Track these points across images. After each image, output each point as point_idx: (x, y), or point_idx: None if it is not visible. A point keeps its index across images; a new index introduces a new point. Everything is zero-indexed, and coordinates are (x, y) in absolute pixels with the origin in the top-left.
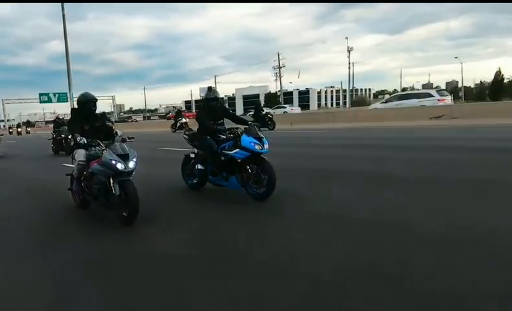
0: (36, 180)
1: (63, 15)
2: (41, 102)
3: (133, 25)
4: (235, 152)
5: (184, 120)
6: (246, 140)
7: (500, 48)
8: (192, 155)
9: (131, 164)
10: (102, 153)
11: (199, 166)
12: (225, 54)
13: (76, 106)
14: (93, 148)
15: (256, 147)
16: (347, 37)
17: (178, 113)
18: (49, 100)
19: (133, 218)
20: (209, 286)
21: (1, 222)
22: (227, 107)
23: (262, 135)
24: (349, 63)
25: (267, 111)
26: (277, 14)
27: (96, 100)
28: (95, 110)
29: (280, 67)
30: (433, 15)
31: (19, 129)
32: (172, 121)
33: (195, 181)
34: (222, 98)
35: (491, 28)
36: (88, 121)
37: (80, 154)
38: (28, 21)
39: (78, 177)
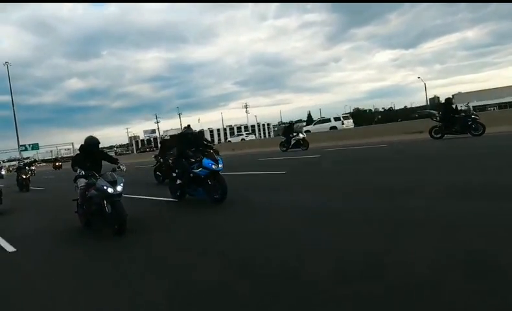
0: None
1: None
2: (20, 151)
3: (145, 58)
4: (199, 170)
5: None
6: (206, 162)
7: None
8: (174, 174)
9: (118, 188)
10: (97, 181)
11: (178, 181)
12: (240, 79)
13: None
14: (92, 178)
15: (213, 166)
16: None
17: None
18: (26, 149)
19: (123, 229)
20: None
21: None
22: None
23: (218, 158)
24: None
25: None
26: (285, 38)
27: (99, 142)
28: (97, 150)
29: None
30: (446, 27)
31: (57, 164)
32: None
33: (178, 194)
34: (195, 131)
35: (510, 35)
36: (89, 157)
37: (81, 181)
38: (46, 61)
39: (81, 201)
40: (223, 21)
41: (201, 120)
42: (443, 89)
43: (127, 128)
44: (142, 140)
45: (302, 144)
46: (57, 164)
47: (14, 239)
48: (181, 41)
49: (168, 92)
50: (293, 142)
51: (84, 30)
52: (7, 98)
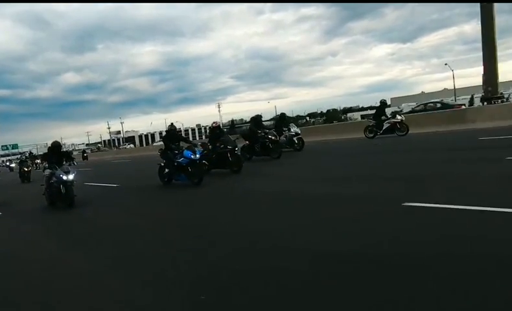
0: None
1: None
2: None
3: (141, 52)
4: (181, 160)
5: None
6: (187, 153)
7: None
8: (162, 164)
9: (70, 177)
10: (56, 171)
11: (166, 170)
12: (236, 73)
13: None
14: (53, 169)
15: (192, 156)
16: None
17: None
18: (7, 148)
19: (72, 204)
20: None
21: None
22: (181, 134)
23: (196, 149)
24: None
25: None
26: (282, 32)
27: (61, 145)
28: (59, 150)
29: None
30: (443, 21)
31: (85, 155)
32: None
33: (166, 179)
34: (178, 128)
35: (509, 29)
36: (54, 155)
37: (47, 172)
38: (42, 55)
39: (47, 186)
40: (219, 15)
41: (198, 115)
42: (441, 84)
43: (108, 124)
44: (109, 140)
45: (399, 128)
46: (85, 154)
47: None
48: (177, 35)
49: (165, 86)
50: (386, 125)
51: (80, 24)
52: None
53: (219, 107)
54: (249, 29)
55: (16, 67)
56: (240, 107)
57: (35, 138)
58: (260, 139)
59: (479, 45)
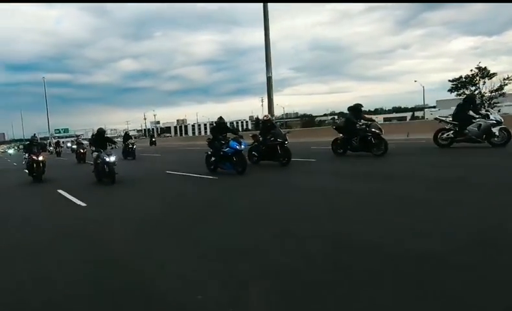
0: None
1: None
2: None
3: (198, 41)
4: (227, 149)
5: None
6: (232, 143)
7: None
8: (209, 153)
9: (112, 159)
10: (101, 153)
11: (213, 158)
12: (296, 65)
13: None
14: (99, 152)
15: (237, 147)
16: None
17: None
18: (59, 132)
19: (114, 180)
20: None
21: None
22: (228, 125)
23: (241, 141)
24: None
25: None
26: (348, 22)
27: (105, 131)
28: (104, 135)
29: None
30: None
31: (154, 140)
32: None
33: (212, 167)
34: (225, 121)
35: None
36: (99, 140)
37: (95, 154)
38: (101, 42)
39: (94, 165)
40: (279, 4)
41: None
42: None
43: (144, 115)
44: (148, 129)
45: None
46: (153, 139)
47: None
48: (234, 24)
49: (220, 76)
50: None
51: (138, 12)
52: (58, 76)
53: (262, 102)
54: (311, 19)
55: (77, 53)
56: (296, 100)
57: (91, 122)
58: (360, 132)
59: None
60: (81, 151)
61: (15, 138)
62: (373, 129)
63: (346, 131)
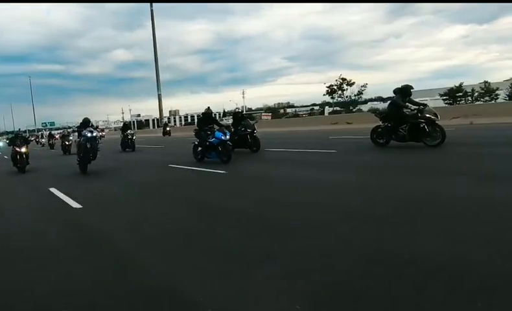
0: None
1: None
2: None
3: (191, 30)
4: (213, 140)
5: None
6: (217, 133)
7: None
8: (196, 143)
9: (94, 133)
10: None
11: (199, 149)
12: (289, 54)
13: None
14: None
15: (222, 137)
16: None
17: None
18: (46, 125)
19: (94, 157)
20: None
21: None
22: (215, 117)
23: (226, 131)
24: None
25: None
26: (341, 10)
27: (89, 121)
28: (89, 124)
29: None
30: None
31: (168, 129)
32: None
33: (199, 157)
34: (213, 112)
35: None
36: (83, 127)
37: (77, 140)
38: (93, 32)
39: (78, 149)
40: None
41: (248, 96)
42: None
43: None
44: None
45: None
46: (167, 129)
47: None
48: (228, 13)
49: (214, 66)
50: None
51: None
52: (50, 67)
53: (243, 94)
54: (304, 8)
55: (69, 43)
56: (291, 89)
57: (84, 112)
58: (411, 118)
59: None
60: (67, 143)
61: (7, 130)
62: (427, 115)
63: (392, 117)
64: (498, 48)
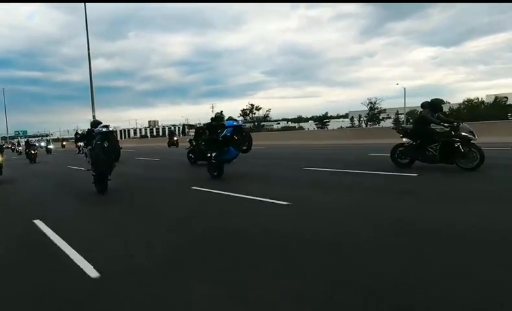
0: None
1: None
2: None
3: (172, 42)
4: (225, 131)
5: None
6: (228, 122)
7: None
8: (211, 155)
9: (110, 128)
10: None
11: (213, 155)
12: (268, 69)
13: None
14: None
15: (234, 123)
16: None
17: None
18: (19, 134)
19: (117, 159)
20: None
21: None
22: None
23: (236, 119)
24: None
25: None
26: (318, 29)
27: (99, 122)
28: (100, 123)
29: None
30: (493, 26)
31: (176, 139)
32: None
33: (215, 173)
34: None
35: None
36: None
37: (87, 149)
38: (74, 40)
39: (92, 160)
40: (252, 8)
41: (231, 108)
42: (486, 92)
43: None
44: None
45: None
46: (175, 139)
47: None
48: (209, 27)
49: (195, 78)
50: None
51: (112, 11)
52: (31, 74)
53: (212, 108)
54: (283, 24)
55: (49, 50)
56: (270, 103)
57: (65, 120)
58: (443, 137)
59: None
60: (33, 152)
61: None
62: (463, 133)
63: (419, 134)
64: (465, 69)
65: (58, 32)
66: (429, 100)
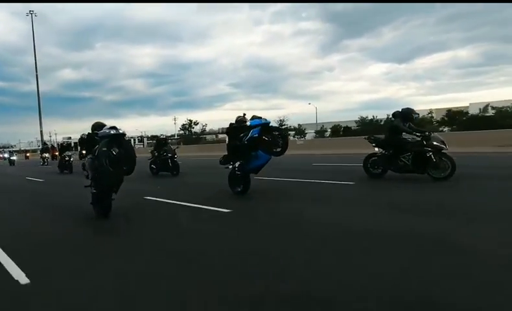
0: None
1: None
2: None
3: (140, 54)
4: (251, 132)
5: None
6: (252, 121)
7: None
8: (233, 166)
9: (120, 131)
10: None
11: (237, 165)
12: (234, 81)
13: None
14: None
15: (261, 120)
16: None
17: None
18: None
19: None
20: None
21: None
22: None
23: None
24: None
25: None
26: (280, 43)
27: (103, 125)
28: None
29: None
30: (439, 45)
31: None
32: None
33: (240, 188)
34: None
35: (502, 57)
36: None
37: (87, 160)
38: (38, 50)
39: (93, 178)
40: (219, 22)
41: (199, 119)
42: (434, 105)
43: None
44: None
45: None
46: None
47: None
48: (176, 40)
49: (163, 89)
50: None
51: (78, 21)
52: None
53: (175, 120)
54: (247, 38)
55: (14, 59)
56: (237, 114)
57: (31, 131)
58: (415, 146)
59: (474, 69)
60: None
61: None
62: (435, 143)
63: (391, 144)
64: (415, 85)
65: (21, 41)
66: (400, 110)
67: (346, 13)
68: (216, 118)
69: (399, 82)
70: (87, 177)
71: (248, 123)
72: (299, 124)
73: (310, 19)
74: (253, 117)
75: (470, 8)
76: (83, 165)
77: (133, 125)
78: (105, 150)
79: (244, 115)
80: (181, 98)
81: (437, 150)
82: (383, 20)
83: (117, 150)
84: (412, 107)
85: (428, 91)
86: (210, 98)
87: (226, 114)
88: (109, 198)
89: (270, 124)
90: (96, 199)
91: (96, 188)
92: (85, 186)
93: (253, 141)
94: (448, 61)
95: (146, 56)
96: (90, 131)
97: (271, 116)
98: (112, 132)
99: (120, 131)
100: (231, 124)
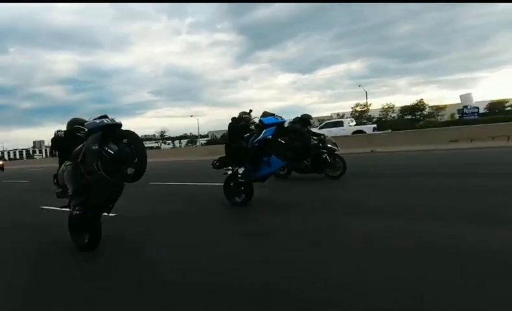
0: None
1: None
2: None
3: (57, 60)
4: (264, 132)
5: None
6: (267, 119)
7: (393, 87)
8: (229, 171)
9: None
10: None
11: (241, 170)
12: (154, 89)
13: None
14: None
15: (278, 118)
16: None
17: None
18: None
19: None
20: None
21: None
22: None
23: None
24: None
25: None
26: (198, 53)
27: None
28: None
29: None
30: (335, 58)
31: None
32: None
33: (240, 198)
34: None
35: (384, 70)
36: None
37: (67, 168)
38: None
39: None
40: (138, 30)
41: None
42: (332, 111)
43: None
44: None
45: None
46: None
47: None
48: (95, 46)
49: (82, 96)
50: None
51: None
52: None
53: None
54: (167, 47)
55: None
56: (160, 121)
57: None
58: (314, 149)
59: (362, 81)
60: None
61: None
62: (329, 145)
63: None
64: (318, 93)
65: None
66: (299, 116)
67: (255, 26)
68: (141, 126)
69: (303, 91)
70: (61, 193)
71: (256, 120)
72: (190, 133)
73: (225, 30)
74: (265, 114)
75: (354, 27)
76: (55, 177)
77: (50, 133)
78: (97, 149)
79: (250, 111)
80: (103, 105)
81: (331, 151)
82: (286, 34)
83: (115, 148)
84: (311, 114)
85: (328, 99)
86: (132, 105)
87: (149, 121)
88: (97, 221)
89: (283, 123)
90: (78, 224)
91: (80, 208)
92: (62, 208)
93: (266, 144)
94: (343, 73)
95: (63, 61)
96: (67, 128)
97: (194, 123)
98: (106, 121)
99: (116, 121)
100: (233, 119)
